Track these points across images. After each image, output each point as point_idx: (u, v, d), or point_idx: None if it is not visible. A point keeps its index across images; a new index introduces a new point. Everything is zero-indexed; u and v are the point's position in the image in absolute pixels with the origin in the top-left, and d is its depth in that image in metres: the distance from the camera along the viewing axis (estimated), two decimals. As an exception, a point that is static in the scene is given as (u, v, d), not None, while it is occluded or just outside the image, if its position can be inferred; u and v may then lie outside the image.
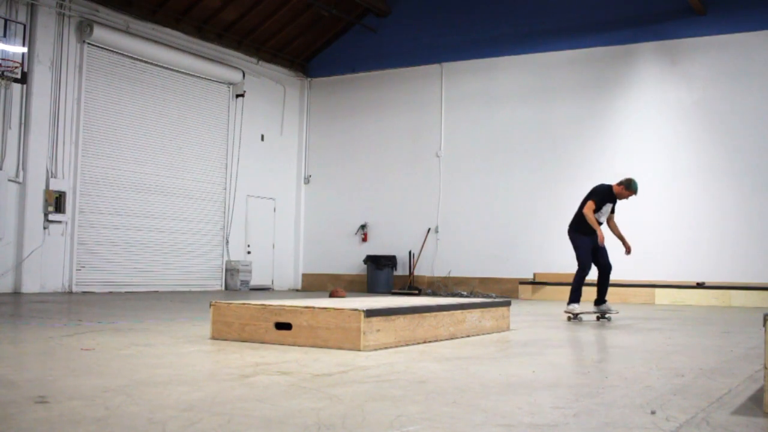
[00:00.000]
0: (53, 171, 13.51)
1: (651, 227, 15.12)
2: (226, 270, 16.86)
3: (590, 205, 8.80)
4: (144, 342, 5.34)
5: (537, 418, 2.92)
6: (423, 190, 17.56)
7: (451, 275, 17.01)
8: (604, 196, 8.89)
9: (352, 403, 3.11)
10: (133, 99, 15.07)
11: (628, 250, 9.07)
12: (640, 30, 15.53)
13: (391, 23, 18.21)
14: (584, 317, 8.98)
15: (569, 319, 8.80)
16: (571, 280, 14.97)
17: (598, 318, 8.91)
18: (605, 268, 8.96)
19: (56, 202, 13.43)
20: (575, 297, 8.83)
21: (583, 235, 8.88)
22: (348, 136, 18.67)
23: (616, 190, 8.91)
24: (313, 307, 5.19)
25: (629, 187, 8.86)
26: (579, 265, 8.93)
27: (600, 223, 8.91)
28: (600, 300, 8.90)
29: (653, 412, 3.04)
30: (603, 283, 8.93)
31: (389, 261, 17.29)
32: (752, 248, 14.27)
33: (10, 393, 3.22)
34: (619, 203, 9.13)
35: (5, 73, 12.38)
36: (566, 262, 15.65)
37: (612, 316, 8.90)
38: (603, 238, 8.72)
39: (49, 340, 5.36)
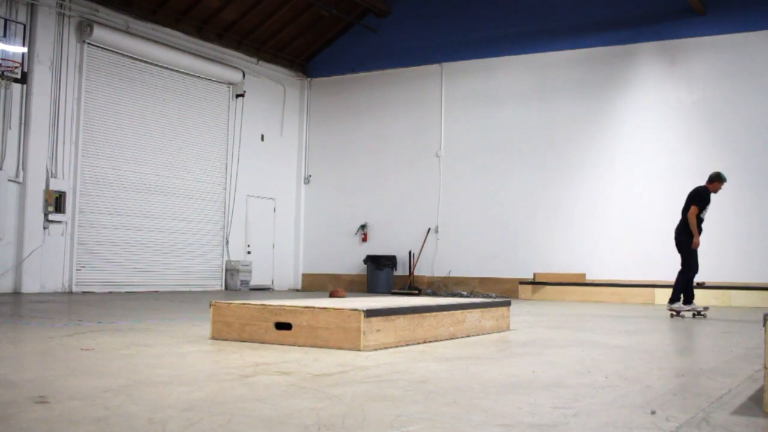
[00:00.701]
0: (53, 171, 13.51)
1: (651, 227, 15.12)
2: (226, 270, 16.86)
3: (694, 210, 9.60)
4: (144, 342, 5.34)
5: (537, 418, 2.92)
6: (423, 190, 17.56)
7: (451, 275, 17.01)
8: (705, 198, 9.69)
9: (352, 403, 3.11)
10: (133, 99, 15.07)
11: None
12: (640, 30, 15.53)
13: (391, 23, 18.21)
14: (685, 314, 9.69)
15: (672, 316, 9.57)
16: (571, 280, 15.12)
17: (693, 315, 9.64)
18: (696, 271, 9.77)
19: (56, 202, 13.43)
20: (677, 296, 9.65)
21: (692, 238, 9.71)
22: (348, 136, 18.67)
23: (711, 188, 9.70)
24: (313, 307, 5.19)
25: (719, 178, 9.65)
26: (688, 266, 9.74)
27: (702, 220, 9.75)
28: (691, 299, 9.71)
29: (653, 412, 3.04)
30: (692, 283, 9.78)
31: (389, 261, 17.28)
32: (752, 248, 14.27)
33: (10, 393, 3.22)
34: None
35: (5, 73, 12.38)
36: (566, 262, 15.72)
37: (705, 312, 9.63)
38: (698, 244, 9.61)
39: (49, 340, 5.36)
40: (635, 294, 14.12)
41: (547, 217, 16.19)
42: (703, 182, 14.81)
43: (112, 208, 14.62)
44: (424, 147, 17.67)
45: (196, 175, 16.43)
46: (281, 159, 18.72)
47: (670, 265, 14.66)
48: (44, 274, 13.23)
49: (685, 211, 9.78)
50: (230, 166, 17.16)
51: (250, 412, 2.91)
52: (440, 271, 17.21)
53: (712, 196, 9.85)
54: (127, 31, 14.81)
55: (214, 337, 5.56)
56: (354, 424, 2.72)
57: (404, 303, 6.11)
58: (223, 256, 16.92)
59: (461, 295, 15.33)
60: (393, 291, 16.84)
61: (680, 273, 9.74)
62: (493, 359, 4.86)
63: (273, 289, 18.10)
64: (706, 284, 13.91)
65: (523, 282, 15.39)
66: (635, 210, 15.34)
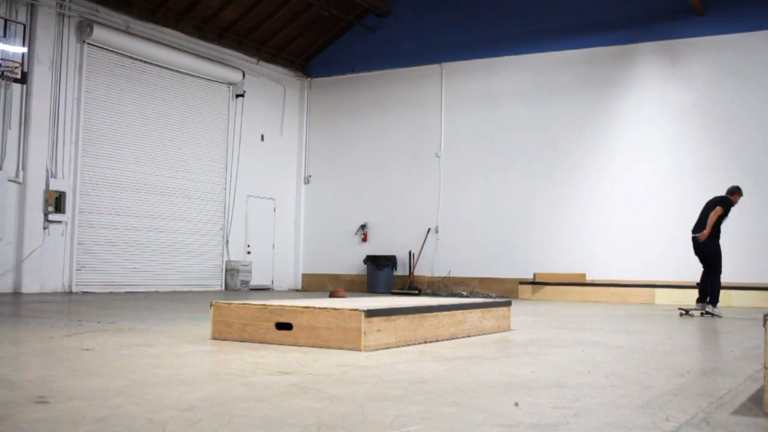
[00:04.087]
0: (53, 171, 13.50)
1: (651, 227, 15.12)
2: (226, 270, 16.86)
3: (718, 210, 10.00)
4: (144, 342, 5.34)
5: (537, 418, 2.92)
6: (423, 190, 17.56)
7: (451, 275, 17.01)
8: (730, 204, 10.16)
9: (352, 403, 3.11)
10: (133, 99, 15.07)
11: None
12: (640, 30, 15.53)
13: (391, 23, 18.21)
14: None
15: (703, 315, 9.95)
16: (571, 280, 15.13)
17: (702, 314, 10.06)
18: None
19: (56, 202, 13.43)
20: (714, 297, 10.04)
21: (717, 241, 10.17)
22: (348, 136, 18.67)
23: (733, 200, 10.21)
24: (314, 307, 5.19)
25: (737, 192, 10.25)
26: (718, 269, 10.16)
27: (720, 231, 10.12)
28: (704, 298, 10.14)
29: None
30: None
31: (389, 261, 17.28)
32: (752, 248, 14.27)
33: (10, 393, 3.22)
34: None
35: (5, 73, 12.38)
36: (566, 262, 15.71)
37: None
38: (705, 235, 9.95)
39: (49, 340, 5.36)
40: (635, 294, 14.11)
41: (547, 217, 16.19)
42: (701, 181, 14.91)
43: (112, 208, 14.62)
44: (424, 147, 17.67)
45: (196, 175, 16.43)
46: (281, 159, 18.71)
47: (671, 265, 14.73)
48: (44, 274, 13.23)
49: (709, 212, 10.12)
50: (230, 166, 17.16)
51: (250, 412, 2.91)
52: (440, 271, 17.21)
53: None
54: (127, 31, 14.81)
55: (214, 338, 5.56)
56: (354, 424, 2.72)
57: (404, 303, 6.11)
58: (223, 256, 16.92)
59: (461, 295, 15.33)
60: (393, 291, 16.84)
61: (717, 275, 10.18)
62: (493, 359, 4.86)
63: (273, 289, 18.10)
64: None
65: (523, 282, 15.39)
66: (635, 210, 15.34)
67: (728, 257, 14.39)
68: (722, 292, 13.64)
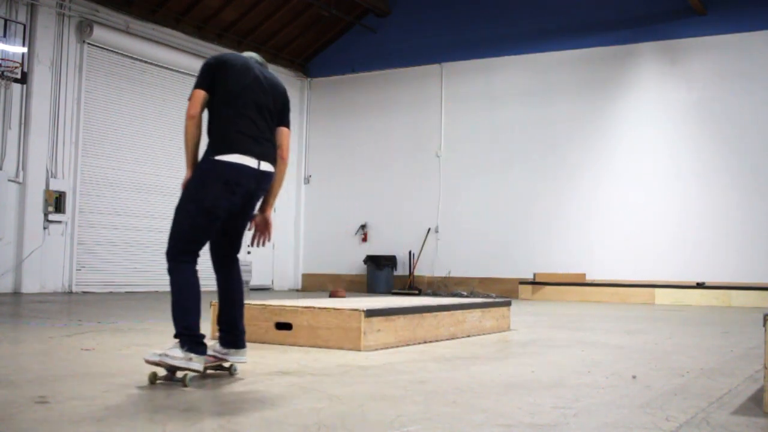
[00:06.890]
0: (53, 171, 13.50)
1: (651, 227, 15.12)
2: (226, 270, 16.82)
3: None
4: (144, 342, 5.34)
5: (537, 418, 2.92)
6: (423, 190, 17.55)
7: (451, 275, 17.00)
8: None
9: (352, 403, 3.12)
10: (133, 99, 15.06)
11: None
12: (640, 30, 15.53)
13: (391, 23, 18.20)
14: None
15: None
16: (571, 280, 15.12)
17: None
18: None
19: (56, 202, 13.43)
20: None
21: None
22: (348, 136, 18.67)
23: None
24: (314, 307, 5.19)
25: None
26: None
27: None
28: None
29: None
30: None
31: (389, 261, 17.28)
32: (752, 248, 14.27)
33: (10, 393, 3.22)
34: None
35: (5, 73, 12.38)
36: (566, 262, 15.71)
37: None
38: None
39: (49, 340, 5.36)
40: (635, 294, 14.11)
41: (547, 217, 16.18)
42: (701, 181, 14.93)
43: (112, 208, 14.62)
44: (424, 147, 17.66)
45: (196, 175, 16.39)
46: (281, 159, 18.68)
47: (671, 265, 14.74)
48: (44, 274, 13.22)
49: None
50: (230, 166, 17.12)
51: (250, 412, 2.91)
52: (440, 271, 17.20)
53: None
54: (127, 31, 14.80)
55: (214, 337, 5.55)
56: (354, 424, 2.72)
57: (404, 303, 6.11)
58: (223, 256, 16.88)
59: (461, 295, 15.33)
60: (393, 291, 16.84)
61: None
62: (493, 359, 4.86)
63: (273, 289, 18.10)
64: (706, 284, 13.92)
65: (523, 282, 15.38)
66: (635, 210, 15.34)
67: (728, 257, 14.53)
68: (722, 292, 13.80)
